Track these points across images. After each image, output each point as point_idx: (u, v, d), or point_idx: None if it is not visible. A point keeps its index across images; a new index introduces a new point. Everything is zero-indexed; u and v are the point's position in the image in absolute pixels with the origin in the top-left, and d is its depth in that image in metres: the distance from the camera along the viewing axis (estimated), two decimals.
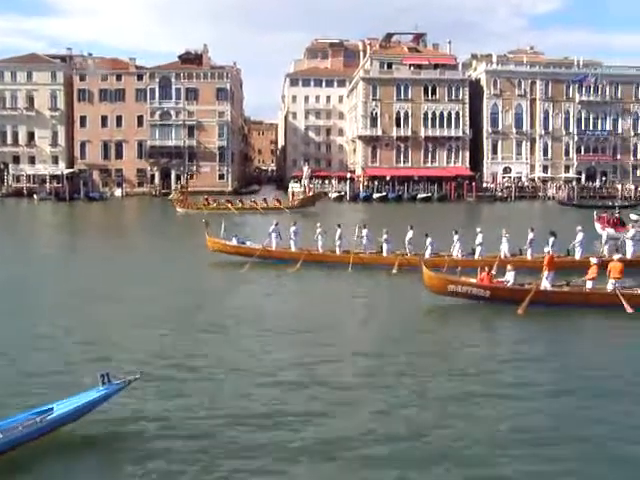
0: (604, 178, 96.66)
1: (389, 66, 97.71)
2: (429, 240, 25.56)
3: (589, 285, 18.96)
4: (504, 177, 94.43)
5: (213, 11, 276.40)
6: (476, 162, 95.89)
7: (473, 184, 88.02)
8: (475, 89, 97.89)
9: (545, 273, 19.12)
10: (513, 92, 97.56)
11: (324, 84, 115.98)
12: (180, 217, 59.90)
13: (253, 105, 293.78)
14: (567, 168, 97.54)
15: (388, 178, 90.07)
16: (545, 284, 19.09)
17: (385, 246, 26.54)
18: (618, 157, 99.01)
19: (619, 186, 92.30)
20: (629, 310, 17.31)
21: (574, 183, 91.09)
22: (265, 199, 64.01)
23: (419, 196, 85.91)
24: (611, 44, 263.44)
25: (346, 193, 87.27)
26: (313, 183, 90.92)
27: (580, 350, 15.33)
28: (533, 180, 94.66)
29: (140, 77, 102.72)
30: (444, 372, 13.12)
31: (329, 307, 19.83)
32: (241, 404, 11.28)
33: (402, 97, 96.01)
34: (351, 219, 44.62)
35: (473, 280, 19.41)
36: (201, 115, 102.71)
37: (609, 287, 18.54)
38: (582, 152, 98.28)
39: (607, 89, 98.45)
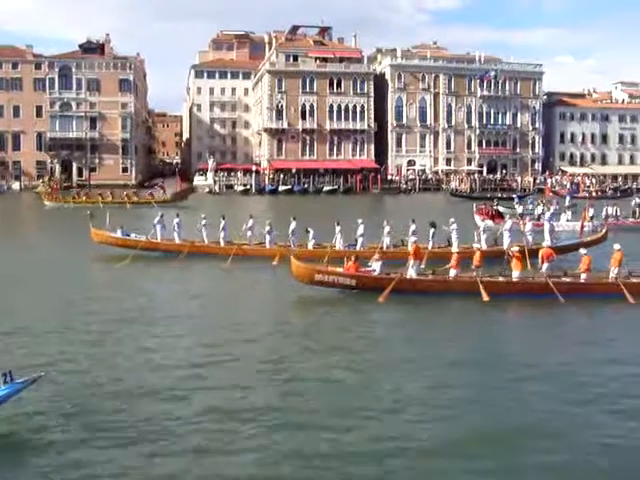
0: (504, 171, 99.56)
1: (295, 59, 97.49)
2: (312, 232, 25.55)
3: (452, 273, 19.41)
4: (408, 170, 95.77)
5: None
6: (381, 155, 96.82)
7: (378, 177, 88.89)
8: (380, 83, 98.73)
9: (411, 262, 19.64)
10: (417, 86, 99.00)
11: (229, 76, 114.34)
12: (49, 210, 57.78)
13: (157, 97, 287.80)
14: (469, 161, 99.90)
15: (294, 171, 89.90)
16: (411, 273, 19.52)
17: (268, 237, 26.55)
18: (517, 150, 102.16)
19: (518, 178, 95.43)
20: (485, 298, 17.87)
21: (476, 175, 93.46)
22: (136, 192, 62.64)
23: (325, 189, 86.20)
24: (510, 41, 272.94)
25: (252, 186, 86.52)
26: (218, 176, 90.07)
27: (434, 334, 15.64)
28: (437, 173, 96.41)
29: (38, 66, 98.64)
30: (300, 355, 13.58)
31: (197, 299, 19.48)
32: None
33: (308, 90, 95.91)
34: (251, 211, 44.11)
35: (339, 269, 19.50)
36: (103, 106, 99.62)
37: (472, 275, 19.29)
38: (484, 145, 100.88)
39: (507, 85, 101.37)
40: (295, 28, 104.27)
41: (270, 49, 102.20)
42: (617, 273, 19.20)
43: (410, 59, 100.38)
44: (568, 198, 52.07)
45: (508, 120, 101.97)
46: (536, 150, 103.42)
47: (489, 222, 31.12)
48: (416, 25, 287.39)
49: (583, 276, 19.38)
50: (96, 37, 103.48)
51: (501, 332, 16.39)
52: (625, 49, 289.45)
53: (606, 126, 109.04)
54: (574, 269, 20.03)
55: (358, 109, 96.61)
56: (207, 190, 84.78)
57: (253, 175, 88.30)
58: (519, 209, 39.56)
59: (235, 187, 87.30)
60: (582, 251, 20.24)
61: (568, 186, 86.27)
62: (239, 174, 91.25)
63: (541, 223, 31.42)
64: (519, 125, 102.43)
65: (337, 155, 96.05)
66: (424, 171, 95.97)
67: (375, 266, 19.50)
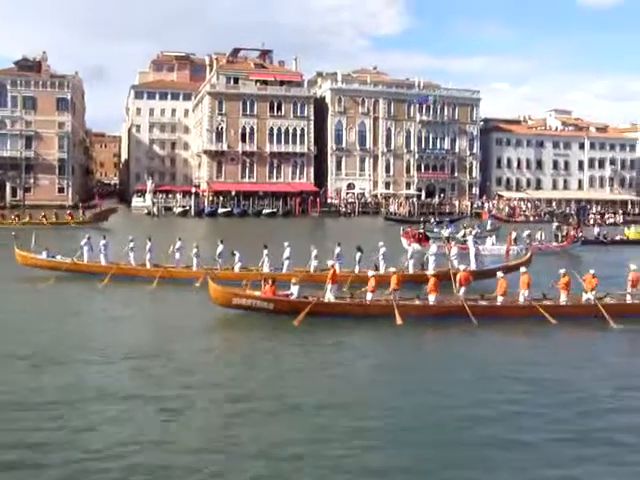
0: (442, 195, 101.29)
1: (235, 81, 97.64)
2: (237, 255, 25.46)
3: (369, 297, 19.51)
4: (348, 193, 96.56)
5: (53, 17, 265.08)
6: (321, 178, 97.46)
7: (318, 200, 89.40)
8: (320, 106, 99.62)
9: (329, 286, 19.60)
10: (357, 110, 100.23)
11: (170, 97, 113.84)
12: None
13: (95, 117, 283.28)
14: (408, 185, 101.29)
15: (234, 193, 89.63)
16: (329, 296, 19.53)
17: (195, 260, 26.30)
18: (456, 175, 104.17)
19: (456, 202, 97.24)
20: (398, 322, 17.89)
21: (414, 199, 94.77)
22: (56, 213, 61.28)
23: (264, 211, 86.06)
24: (448, 68, 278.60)
25: (191, 208, 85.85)
26: (157, 197, 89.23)
27: (346, 356, 15.65)
28: (376, 196, 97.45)
29: None
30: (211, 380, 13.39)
31: (117, 321, 19.21)
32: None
33: (248, 112, 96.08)
34: (188, 234, 43.84)
35: (257, 293, 19.41)
36: (40, 125, 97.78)
37: (389, 297, 19.46)
38: (422, 170, 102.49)
39: (445, 110, 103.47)
40: (236, 51, 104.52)
41: (211, 71, 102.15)
42: (527, 295, 19.67)
43: (350, 83, 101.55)
44: (490, 222, 53.24)
45: (446, 145, 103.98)
46: (474, 175, 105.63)
47: (416, 245, 31.48)
48: (356, 50, 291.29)
49: (500, 299, 19.67)
50: (32, 55, 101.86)
51: (410, 353, 16.54)
52: (558, 77, 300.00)
53: (541, 152, 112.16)
54: (492, 293, 20.36)
55: (298, 132, 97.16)
56: (145, 212, 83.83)
57: (192, 197, 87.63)
58: (445, 233, 40.07)
59: (174, 209, 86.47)
60: (499, 274, 20.52)
61: (489, 211, 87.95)
62: (178, 196, 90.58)
63: (467, 247, 31.72)
64: (457, 150, 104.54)
65: (277, 178, 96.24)
66: (363, 194, 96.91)
67: (293, 290, 19.35)
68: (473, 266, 26.80)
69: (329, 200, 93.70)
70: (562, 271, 20.24)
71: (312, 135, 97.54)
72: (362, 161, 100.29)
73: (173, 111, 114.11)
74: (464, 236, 36.77)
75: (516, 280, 21.33)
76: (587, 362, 15.47)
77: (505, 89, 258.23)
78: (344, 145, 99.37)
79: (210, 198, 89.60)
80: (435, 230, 44.30)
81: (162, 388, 12.74)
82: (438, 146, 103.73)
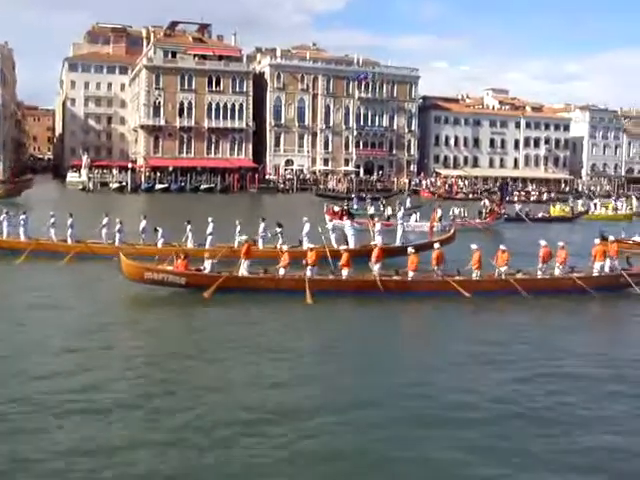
0: (381, 172, 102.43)
1: (173, 55, 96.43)
2: (160, 231, 25.64)
3: (281, 272, 19.87)
4: (286, 169, 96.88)
5: None
6: (259, 154, 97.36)
7: (256, 176, 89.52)
8: (259, 82, 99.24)
9: (242, 260, 20.00)
10: (296, 86, 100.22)
11: (105, 70, 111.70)
12: None
13: (28, 89, 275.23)
14: (347, 162, 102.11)
15: (171, 169, 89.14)
16: (242, 271, 19.91)
17: (117, 236, 26.29)
18: (394, 152, 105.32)
19: (394, 179, 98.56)
20: (308, 300, 18.19)
21: (353, 176, 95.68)
22: None
23: (202, 187, 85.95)
24: (389, 46, 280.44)
25: (128, 184, 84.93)
26: (93, 173, 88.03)
27: (254, 331, 15.86)
28: (314, 173, 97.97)
29: None
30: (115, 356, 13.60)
31: (32, 294, 19.12)
32: None
33: (186, 87, 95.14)
34: (121, 210, 43.43)
35: (169, 267, 19.57)
36: None
37: (307, 273, 19.75)
38: (361, 147, 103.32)
39: (384, 88, 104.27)
40: (174, 24, 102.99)
41: (148, 44, 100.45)
42: (439, 270, 20.23)
43: (290, 59, 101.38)
44: (409, 199, 53.44)
45: (385, 122, 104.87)
46: (412, 152, 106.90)
47: (338, 222, 31.85)
48: (296, 26, 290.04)
49: (410, 274, 20.18)
50: None
51: (319, 326, 16.85)
52: (496, 57, 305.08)
53: (478, 130, 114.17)
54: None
55: (237, 108, 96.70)
56: (80, 187, 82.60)
57: (129, 173, 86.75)
58: (370, 210, 40.51)
59: (110, 185, 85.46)
60: (410, 250, 20.98)
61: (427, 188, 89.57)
62: (114, 171, 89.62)
63: (391, 223, 32.36)
64: (395, 127, 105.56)
65: (215, 154, 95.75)
66: (302, 171, 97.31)
67: (206, 264, 19.64)
68: (398, 242, 27.19)
69: (267, 176, 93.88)
70: (474, 247, 20.72)
71: (251, 111, 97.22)
72: (301, 137, 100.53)
73: (109, 85, 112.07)
74: (391, 213, 37.18)
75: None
76: (496, 332, 16.23)
77: (444, 68, 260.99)
78: (283, 121, 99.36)
79: (147, 174, 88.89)
80: (355, 207, 44.76)
81: (67, 362, 12.87)
82: (377, 123, 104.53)
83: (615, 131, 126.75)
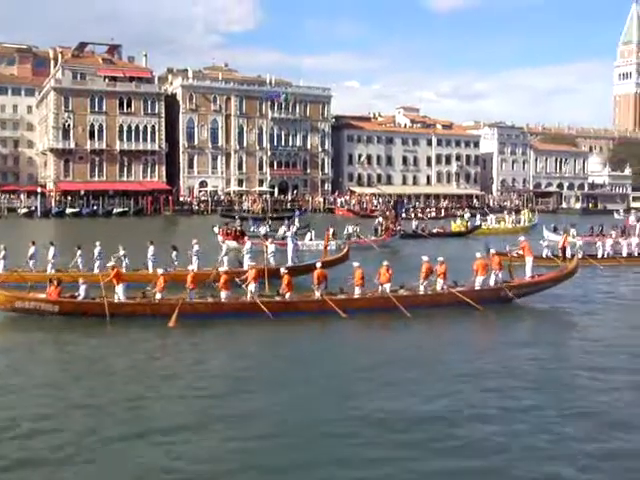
0: (295, 191, 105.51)
1: (82, 77, 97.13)
2: (52, 254, 25.90)
3: (158, 296, 19.95)
4: (201, 191, 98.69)
5: None
6: (173, 176, 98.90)
7: (170, 198, 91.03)
8: (171, 103, 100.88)
9: (116, 286, 20.19)
10: (209, 107, 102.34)
11: (10, 92, 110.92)
12: None
13: None
14: (261, 182, 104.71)
15: (82, 193, 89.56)
16: (119, 296, 20.04)
17: (1, 263, 25.88)
18: (308, 171, 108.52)
19: (309, 198, 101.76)
20: (171, 323, 18.48)
21: (268, 196, 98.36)
22: None
23: (115, 211, 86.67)
24: (302, 66, 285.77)
25: (37, 208, 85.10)
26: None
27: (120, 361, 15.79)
28: (229, 194, 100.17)
29: None
30: None
31: None
32: None
33: (96, 109, 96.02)
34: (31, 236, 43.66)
35: (41, 295, 19.46)
36: None
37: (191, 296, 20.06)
38: (275, 166, 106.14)
39: (297, 107, 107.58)
40: (83, 45, 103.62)
41: (56, 65, 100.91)
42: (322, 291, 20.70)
43: (201, 80, 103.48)
44: (297, 219, 52.83)
45: (299, 142, 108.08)
46: (326, 171, 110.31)
47: (232, 243, 32.89)
48: (208, 46, 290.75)
49: (288, 295, 20.54)
50: None
51: (185, 352, 16.95)
52: (407, 76, 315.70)
53: (391, 148, 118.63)
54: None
55: (149, 130, 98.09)
56: None
57: (38, 197, 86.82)
58: (263, 230, 40.74)
59: (18, 210, 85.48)
60: (282, 270, 21.63)
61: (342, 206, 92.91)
62: (22, 196, 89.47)
63: (285, 243, 32.60)
64: (309, 147, 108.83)
65: (128, 176, 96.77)
66: (216, 192, 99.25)
67: (81, 290, 19.53)
68: (290, 262, 27.91)
69: (182, 198, 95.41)
70: (355, 264, 21.55)
71: (163, 132, 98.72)
72: (214, 159, 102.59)
73: (15, 107, 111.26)
74: (284, 233, 37.21)
75: (336, 275, 22.60)
76: (373, 352, 16.71)
77: (356, 87, 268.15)
78: (196, 143, 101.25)
79: (57, 198, 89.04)
80: (252, 228, 45.06)
81: None
82: (290, 143, 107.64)
83: (523, 147, 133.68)
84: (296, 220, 49.87)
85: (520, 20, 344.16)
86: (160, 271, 21.21)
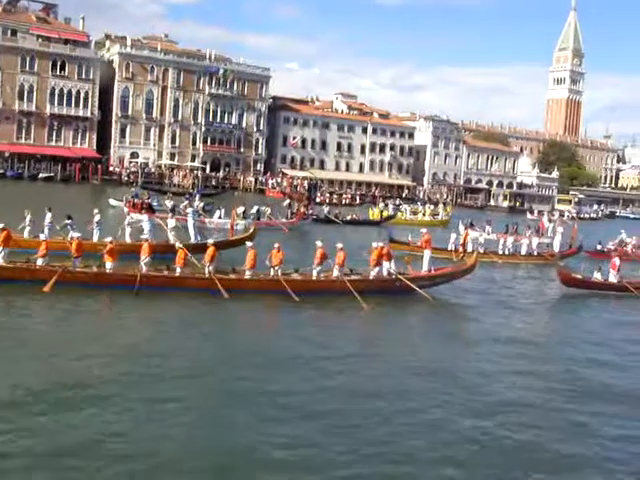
0: (227, 169, 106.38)
1: (13, 33, 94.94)
2: None
3: (39, 262, 20.82)
4: (131, 162, 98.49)
5: None
6: (104, 145, 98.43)
7: (99, 167, 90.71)
8: (107, 70, 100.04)
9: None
10: (145, 78, 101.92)
11: None
12: None
13: None
14: (193, 157, 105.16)
15: (7, 154, 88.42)
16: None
17: None
18: (242, 150, 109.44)
19: (241, 177, 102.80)
20: (46, 288, 19.07)
21: (199, 172, 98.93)
22: None
23: (41, 175, 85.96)
24: (243, 44, 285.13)
25: None
26: None
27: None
28: (160, 167, 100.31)
29: None
30: None
31: None
32: None
33: (27, 69, 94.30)
34: None
35: None
36: None
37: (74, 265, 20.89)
38: (209, 143, 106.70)
39: (235, 85, 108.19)
40: (15, 0, 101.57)
41: None
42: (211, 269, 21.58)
43: (140, 49, 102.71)
44: (198, 196, 53.17)
45: (234, 120, 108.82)
46: (259, 151, 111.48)
47: (136, 215, 33.23)
48: (149, 16, 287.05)
49: (178, 270, 21.52)
50: None
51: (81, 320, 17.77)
52: (347, 63, 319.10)
53: (326, 133, 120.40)
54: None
55: (82, 95, 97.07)
56: None
57: None
58: (169, 204, 41.00)
59: None
60: (178, 245, 22.52)
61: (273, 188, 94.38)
62: None
63: (186, 219, 32.77)
64: (244, 125, 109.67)
65: (57, 141, 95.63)
66: (147, 164, 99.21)
67: None
68: (193, 239, 28.69)
69: (111, 168, 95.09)
70: (249, 244, 22.76)
71: (97, 99, 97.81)
72: (147, 130, 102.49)
73: None
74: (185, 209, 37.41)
75: (238, 255, 23.39)
76: (238, 334, 17.80)
77: (296, 69, 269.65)
78: (130, 112, 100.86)
79: None
80: (155, 203, 45.06)
81: None
82: (226, 120, 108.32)
83: (456, 142, 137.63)
84: (197, 198, 49.65)
85: (464, 19, 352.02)
86: (42, 237, 22.19)
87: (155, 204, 43.63)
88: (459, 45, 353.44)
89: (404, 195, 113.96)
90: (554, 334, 21.40)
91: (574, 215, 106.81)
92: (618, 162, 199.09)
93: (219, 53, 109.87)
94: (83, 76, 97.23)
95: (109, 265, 20.95)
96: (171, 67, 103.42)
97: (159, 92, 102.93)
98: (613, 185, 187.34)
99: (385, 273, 23.26)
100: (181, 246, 22.41)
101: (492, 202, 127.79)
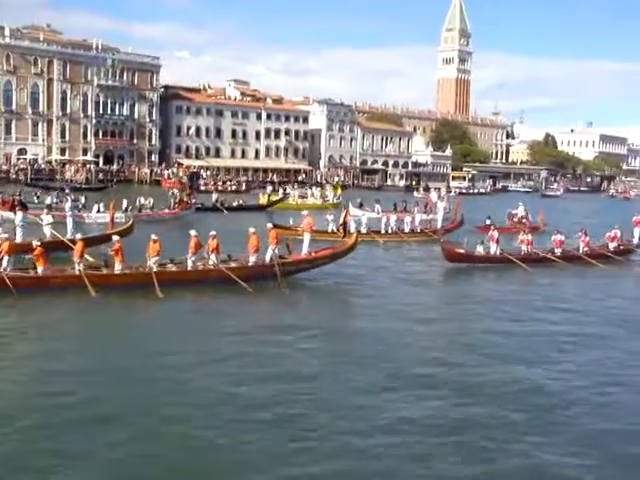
0: (121, 162, 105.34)
1: None
2: None
3: None
4: (19, 159, 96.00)
5: None
6: None
7: None
8: None
9: None
10: (29, 70, 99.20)
11: None
12: None
13: None
14: (85, 151, 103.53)
15: None
16: None
17: None
18: (135, 142, 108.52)
19: (135, 169, 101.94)
20: None
21: (92, 166, 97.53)
22: None
23: None
24: (130, 34, 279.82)
25: None
26: None
27: None
28: (50, 162, 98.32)
29: None
30: None
31: None
32: None
33: None
34: None
35: None
36: None
37: None
38: (100, 135, 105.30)
39: (125, 75, 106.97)
40: None
41: None
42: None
43: (20, 40, 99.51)
44: (67, 190, 51.66)
45: (126, 111, 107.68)
46: (153, 142, 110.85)
47: (7, 213, 32.18)
48: (31, 5, 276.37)
49: (40, 269, 20.63)
50: None
51: None
52: (238, 49, 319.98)
53: (220, 121, 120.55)
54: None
55: None
56: None
57: None
58: (47, 200, 39.64)
59: None
60: (35, 243, 21.28)
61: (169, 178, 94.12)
62: None
63: (65, 215, 32.30)
64: (137, 116, 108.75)
65: None
66: (37, 161, 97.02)
67: None
68: (70, 235, 27.64)
69: None
70: (115, 238, 21.87)
71: None
72: (35, 125, 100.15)
73: None
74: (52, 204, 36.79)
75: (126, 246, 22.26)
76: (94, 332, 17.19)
77: (186, 58, 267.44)
78: (14, 107, 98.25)
79: None
80: (35, 199, 44.26)
81: None
82: (117, 112, 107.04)
83: (350, 125, 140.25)
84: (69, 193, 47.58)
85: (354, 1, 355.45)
86: None
87: (36, 201, 42.78)
88: (350, 28, 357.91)
89: (300, 179, 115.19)
90: (432, 310, 21.82)
91: (462, 191, 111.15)
92: (507, 138, 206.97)
93: (106, 43, 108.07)
94: None
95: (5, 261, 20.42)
96: (56, 58, 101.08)
97: (45, 85, 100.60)
98: (504, 160, 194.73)
99: (268, 259, 23.17)
100: (39, 243, 21.45)
101: (389, 182, 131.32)
